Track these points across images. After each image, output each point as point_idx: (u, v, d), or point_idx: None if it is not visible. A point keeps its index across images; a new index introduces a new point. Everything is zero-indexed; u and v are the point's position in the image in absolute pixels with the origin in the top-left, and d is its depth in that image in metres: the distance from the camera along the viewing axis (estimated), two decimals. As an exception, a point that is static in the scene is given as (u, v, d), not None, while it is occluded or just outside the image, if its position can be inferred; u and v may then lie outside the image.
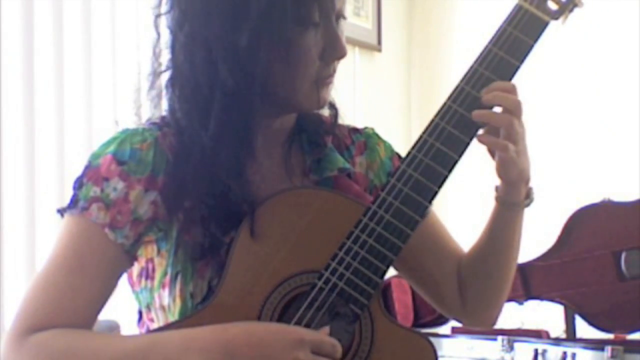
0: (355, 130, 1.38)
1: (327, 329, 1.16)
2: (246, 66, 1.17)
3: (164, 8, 1.24)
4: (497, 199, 1.28)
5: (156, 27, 1.25)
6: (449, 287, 1.37)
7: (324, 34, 1.21)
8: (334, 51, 1.22)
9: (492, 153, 1.23)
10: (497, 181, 1.27)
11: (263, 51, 1.17)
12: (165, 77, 1.25)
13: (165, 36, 1.25)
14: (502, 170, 1.24)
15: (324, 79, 1.24)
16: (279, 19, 1.16)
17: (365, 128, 1.40)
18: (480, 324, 1.40)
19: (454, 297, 1.37)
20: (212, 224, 1.19)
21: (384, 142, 1.40)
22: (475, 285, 1.35)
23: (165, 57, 1.25)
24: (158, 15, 1.24)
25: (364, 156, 1.36)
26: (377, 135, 1.40)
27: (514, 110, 1.20)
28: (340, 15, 1.23)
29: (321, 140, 1.32)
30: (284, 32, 1.16)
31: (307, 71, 1.21)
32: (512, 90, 1.21)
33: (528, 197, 1.29)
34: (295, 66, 1.20)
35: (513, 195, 1.27)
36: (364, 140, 1.38)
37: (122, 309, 2.04)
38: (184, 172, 1.20)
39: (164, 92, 1.25)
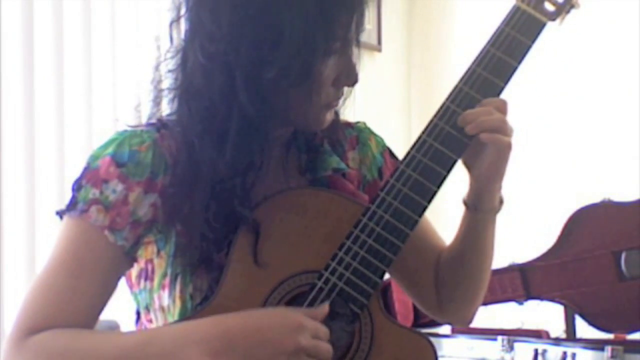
0: (347, 124, 1.38)
1: (326, 305, 1.16)
2: (268, 97, 1.16)
3: (183, 17, 1.21)
4: (471, 205, 1.27)
5: (170, 35, 1.23)
6: (426, 284, 1.36)
7: (340, 61, 1.20)
8: (347, 79, 1.22)
9: (469, 163, 1.23)
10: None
11: (287, 84, 1.16)
12: (167, 82, 1.24)
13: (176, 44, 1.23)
14: (484, 176, 1.23)
15: (330, 103, 1.23)
16: (310, 55, 1.15)
17: (357, 122, 1.40)
18: (456, 322, 1.40)
19: (431, 294, 1.37)
20: (211, 227, 1.19)
21: (376, 136, 1.39)
22: (450, 285, 1.35)
23: (171, 64, 1.23)
24: (173, 22, 1.22)
25: (356, 151, 1.36)
26: (368, 129, 1.40)
27: (497, 130, 1.20)
28: (359, 41, 1.22)
29: (317, 140, 1.31)
30: (312, 67, 1.16)
31: (319, 97, 1.20)
32: (490, 112, 1.20)
33: (501, 202, 1.29)
34: (309, 93, 1.18)
35: (489, 201, 1.26)
36: (356, 135, 1.37)
37: (122, 309, 2.04)
38: (189, 188, 1.19)
39: (166, 99, 1.24)
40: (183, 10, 1.21)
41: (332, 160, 1.31)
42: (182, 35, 1.22)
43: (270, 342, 1.10)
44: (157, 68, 1.25)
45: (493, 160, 1.21)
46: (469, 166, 1.24)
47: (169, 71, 1.23)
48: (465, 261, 1.32)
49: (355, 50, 1.22)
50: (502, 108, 1.21)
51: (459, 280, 1.34)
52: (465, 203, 1.28)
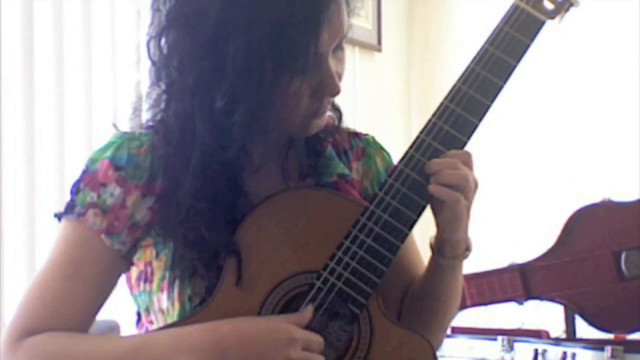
0: (355, 134, 1.37)
1: (308, 310, 1.15)
2: (223, 126, 1.14)
3: (151, 39, 1.21)
4: (435, 249, 1.25)
5: (148, 48, 1.22)
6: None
7: (315, 75, 1.16)
8: (326, 90, 1.19)
9: (434, 210, 1.21)
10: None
11: (240, 114, 1.13)
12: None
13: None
14: (446, 225, 1.20)
15: (316, 112, 1.21)
16: (257, 78, 1.12)
17: (366, 135, 1.38)
18: None
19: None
20: (208, 232, 1.18)
21: (383, 151, 1.38)
22: (410, 318, 1.30)
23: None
24: (150, 39, 1.22)
25: (360, 163, 1.35)
26: (377, 143, 1.38)
27: (455, 186, 1.17)
28: (338, 47, 1.19)
29: (319, 145, 1.30)
30: (263, 92, 1.12)
31: (296, 112, 1.18)
32: (455, 165, 1.17)
33: (467, 250, 1.26)
34: (282, 110, 1.17)
35: (451, 249, 1.24)
36: (362, 147, 1.36)
37: (122, 309, 2.04)
38: (170, 205, 1.19)
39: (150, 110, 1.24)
40: (152, 32, 1.21)
41: (337, 166, 1.30)
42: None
43: (261, 355, 1.10)
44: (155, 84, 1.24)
45: (450, 213, 1.19)
46: (433, 212, 1.22)
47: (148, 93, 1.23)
48: (426, 302, 1.30)
49: (338, 55, 1.19)
50: (468, 161, 1.19)
51: (418, 317, 1.30)
52: (431, 246, 1.26)
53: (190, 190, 1.16)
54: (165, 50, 1.18)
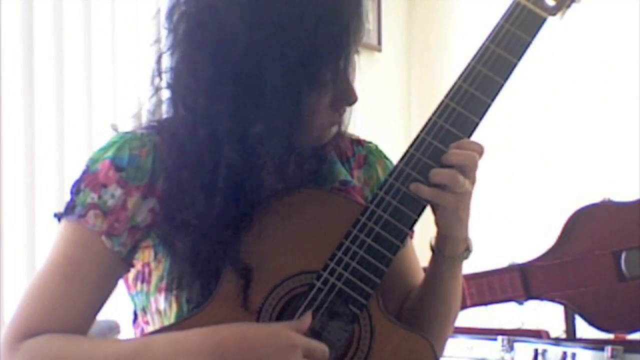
0: (357, 142, 1.36)
1: (308, 317, 1.14)
2: (257, 149, 1.14)
3: (165, 60, 1.19)
4: (435, 249, 1.25)
5: (158, 63, 1.20)
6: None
7: (335, 86, 1.17)
8: (345, 100, 1.19)
9: (434, 208, 1.20)
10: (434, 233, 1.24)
11: (277, 138, 1.13)
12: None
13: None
14: (444, 223, 1.20)
15: (333, 122, 1.21)
16: (297, 103, 1.12)
17: (369, 142, 1.37)
18: None
19: None
20: (207, 235, 1.17)
21: (386, 160, 1.36)
22: (411, 323, 1.28)
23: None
24: (160, 56, 1.19)
25: (362, 170, 1.34)
26: (379, 152, 1.37)
27: (463, 167, 1.17)
28: (355, 52, 1.19)
29: (321, 151, 1.29)
30: (299, 114, 1.13)
31: (316, 124, 1.19)
32: (467, 147, 1.18)
33: (467, 250, 1.25)
34: (303, 124, 1.16)
35: (452, 248, 1.23)
36: (365, 155, 1.35)
37: (122, 309, 2.04)
38: (178, 206, 1.17)
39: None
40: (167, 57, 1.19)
41: (339, 172, 1.29)
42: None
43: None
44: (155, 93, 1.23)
45: (449, 212, 1.19)
46: (433, 211, 1.21)
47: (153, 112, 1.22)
48: (426, 306, 1.29)
49: (354, 61, 1.19)
50: (481, 153, 1.19)
51: (419, 324, 1.28)
52: (431, 246, 1.26)
53: (216, 219, 1.14)
54: (184, 74, 1.16)
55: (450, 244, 1.23)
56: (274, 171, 1.18)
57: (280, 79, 1.11)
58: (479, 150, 1.19)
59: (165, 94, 1.21)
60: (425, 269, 1.30)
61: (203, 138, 1.15)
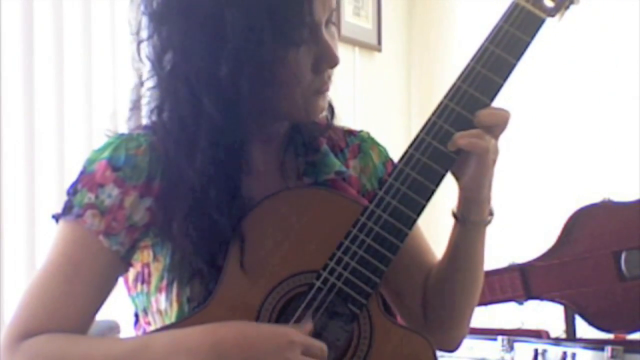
0: (350, 132, 1.37)
1: (309, 323, 1.15)
2: (231, 97, 1.15)
3: (144, 35, 1.21)
4: (460, 218, 1.25)
5: (138, 53, 1.22)
6: (413, 305, 1.33)
7: (313, 46, 1.18)
8: (326, 62, 1.20)
9: (457, 171, 1.22)
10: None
11: (245, 79, 1.14)
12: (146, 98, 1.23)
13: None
14: (471, 183, 1.21)
15: (319, 89, 1.22)
16: (257, 43, 1.13)
17: (360, 131, 1.38)
18: (442, 346, 1.34)
19: (418, 312, 1.33)
20: (198, 239, 1.17)
21: (379, 146, 1.38)
22: (437, 306, 1.31)
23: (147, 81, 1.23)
24: (139, 43, 1.21)
25: (357, 160, 1.35)
26: (372, 139, 1.38)
27: (475, 135, 1.18)
28: (329, 21, 1.20)
29: (315, 142, 1.30)
30: (264, 57, 1.14)
31: (298, 87, 1.19)
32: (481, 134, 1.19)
33: (491, 214, 1.27)
34: (285, 85, 1.18)
35: (477, 212, 1.24)
36: (358, 144, 1.36)
37: (122, 309, 2.04)
38: (170, 200, 1.18)
39: (148, 112, 1.24)
40: (145, 30, 1.21)
41: (334, 163, 1.30)
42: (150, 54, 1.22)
43: (260, 358, 1.09)
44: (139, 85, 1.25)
45: (476, 167, 1.20)
46: (456, 176, 1.22)
47: (147, 89, 1.23)
48: (453, 278, 1.29)
49: (331, 31, 1.21)
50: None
51: (446, 299, 1.30)
52: (454, 214, 1.26)
53: (194, 181, 1.16)
54: (161, 44, 1.18)
55: (475, 208, 1.24)
56: (255, 127, 1.20)
57: (241, 20, 1.12)
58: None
59: (147, 68, 1.23)
60: (448, 240, 1.29)
61: (184, 96, 1.16)
